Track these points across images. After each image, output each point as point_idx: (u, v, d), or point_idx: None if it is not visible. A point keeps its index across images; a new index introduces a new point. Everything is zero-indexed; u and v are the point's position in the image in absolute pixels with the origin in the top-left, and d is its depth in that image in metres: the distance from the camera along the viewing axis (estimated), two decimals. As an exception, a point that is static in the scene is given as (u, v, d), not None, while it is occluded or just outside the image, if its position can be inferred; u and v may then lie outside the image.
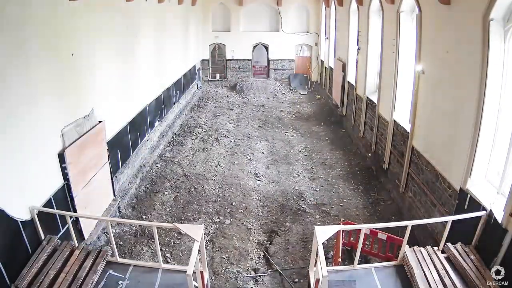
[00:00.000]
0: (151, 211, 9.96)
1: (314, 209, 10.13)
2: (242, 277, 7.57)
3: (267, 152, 14.29)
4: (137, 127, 12.00)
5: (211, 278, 7.47)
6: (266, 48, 25.67)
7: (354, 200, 10.63)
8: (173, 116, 17.06)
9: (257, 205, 10.34)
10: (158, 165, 12.73)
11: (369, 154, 12.88)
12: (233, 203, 10.39)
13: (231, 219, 9.65)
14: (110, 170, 9.25)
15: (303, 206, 10.28)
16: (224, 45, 25.45)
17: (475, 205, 6.31)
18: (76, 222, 7.51)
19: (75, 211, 7.41)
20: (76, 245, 6.37)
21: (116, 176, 10.00)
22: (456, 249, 6.12)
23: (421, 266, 5.88)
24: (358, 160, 13.46)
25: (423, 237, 8.16)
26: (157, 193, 10.88)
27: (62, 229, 7.01)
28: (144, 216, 9.72)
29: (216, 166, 12.76)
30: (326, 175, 12.24)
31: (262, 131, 16.77)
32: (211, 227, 9.31)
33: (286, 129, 17.22)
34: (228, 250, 8.41)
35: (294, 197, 10.76)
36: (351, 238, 7.58)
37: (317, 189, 11.26)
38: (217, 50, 25.60)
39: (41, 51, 6.53)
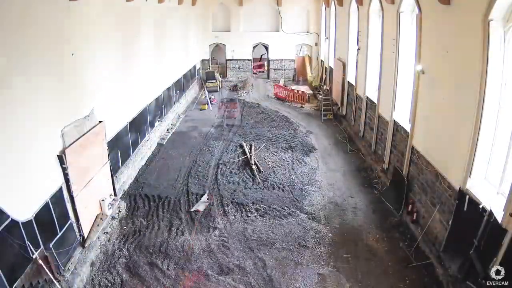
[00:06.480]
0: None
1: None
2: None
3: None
4: (138, 127, 12.00)
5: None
6: (266, 48, 25.66)
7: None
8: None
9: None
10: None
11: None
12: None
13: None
14: (111, 170, 9.25)
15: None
16: (224, 45, 25.46)
17: (475, 205, 6.31)
18: (76, 222, 7.52)
19: (75, 211, 7.41)
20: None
21: (116, 176, 10.01)
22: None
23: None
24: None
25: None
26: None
27: (61, 230, 7.01)
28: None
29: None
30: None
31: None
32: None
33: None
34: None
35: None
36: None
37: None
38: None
39: (41, 51, 6.53)
